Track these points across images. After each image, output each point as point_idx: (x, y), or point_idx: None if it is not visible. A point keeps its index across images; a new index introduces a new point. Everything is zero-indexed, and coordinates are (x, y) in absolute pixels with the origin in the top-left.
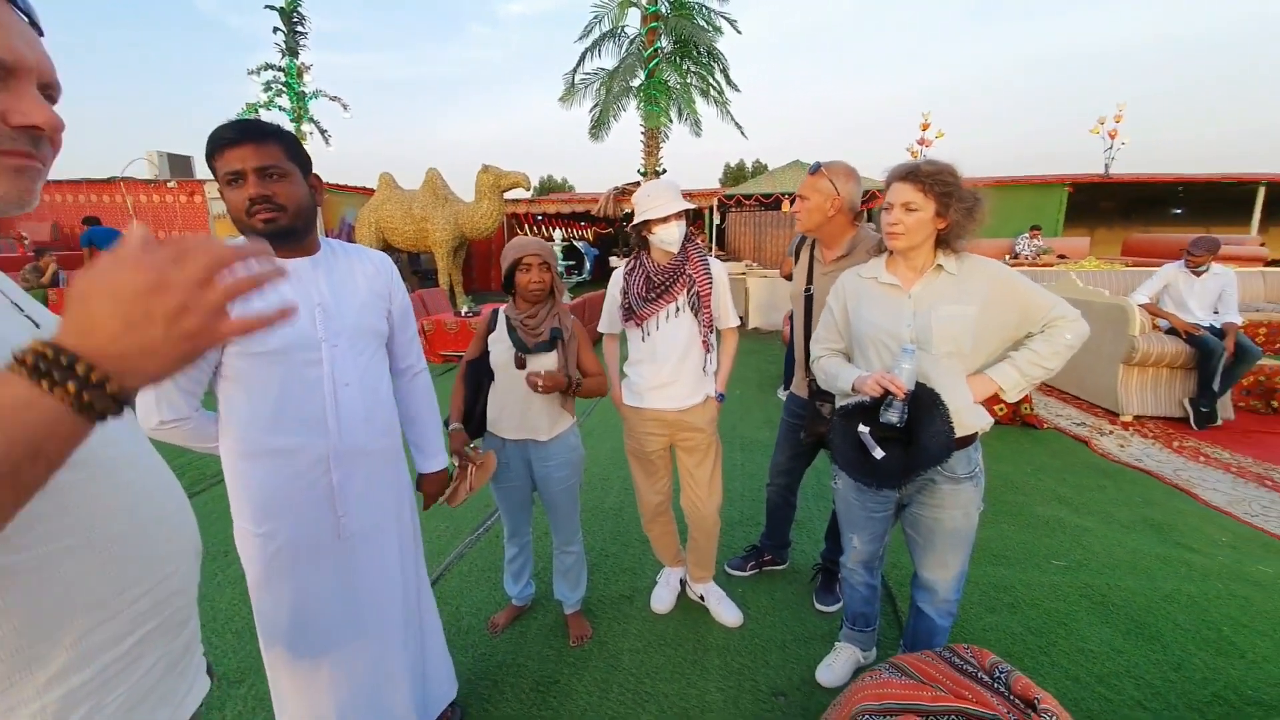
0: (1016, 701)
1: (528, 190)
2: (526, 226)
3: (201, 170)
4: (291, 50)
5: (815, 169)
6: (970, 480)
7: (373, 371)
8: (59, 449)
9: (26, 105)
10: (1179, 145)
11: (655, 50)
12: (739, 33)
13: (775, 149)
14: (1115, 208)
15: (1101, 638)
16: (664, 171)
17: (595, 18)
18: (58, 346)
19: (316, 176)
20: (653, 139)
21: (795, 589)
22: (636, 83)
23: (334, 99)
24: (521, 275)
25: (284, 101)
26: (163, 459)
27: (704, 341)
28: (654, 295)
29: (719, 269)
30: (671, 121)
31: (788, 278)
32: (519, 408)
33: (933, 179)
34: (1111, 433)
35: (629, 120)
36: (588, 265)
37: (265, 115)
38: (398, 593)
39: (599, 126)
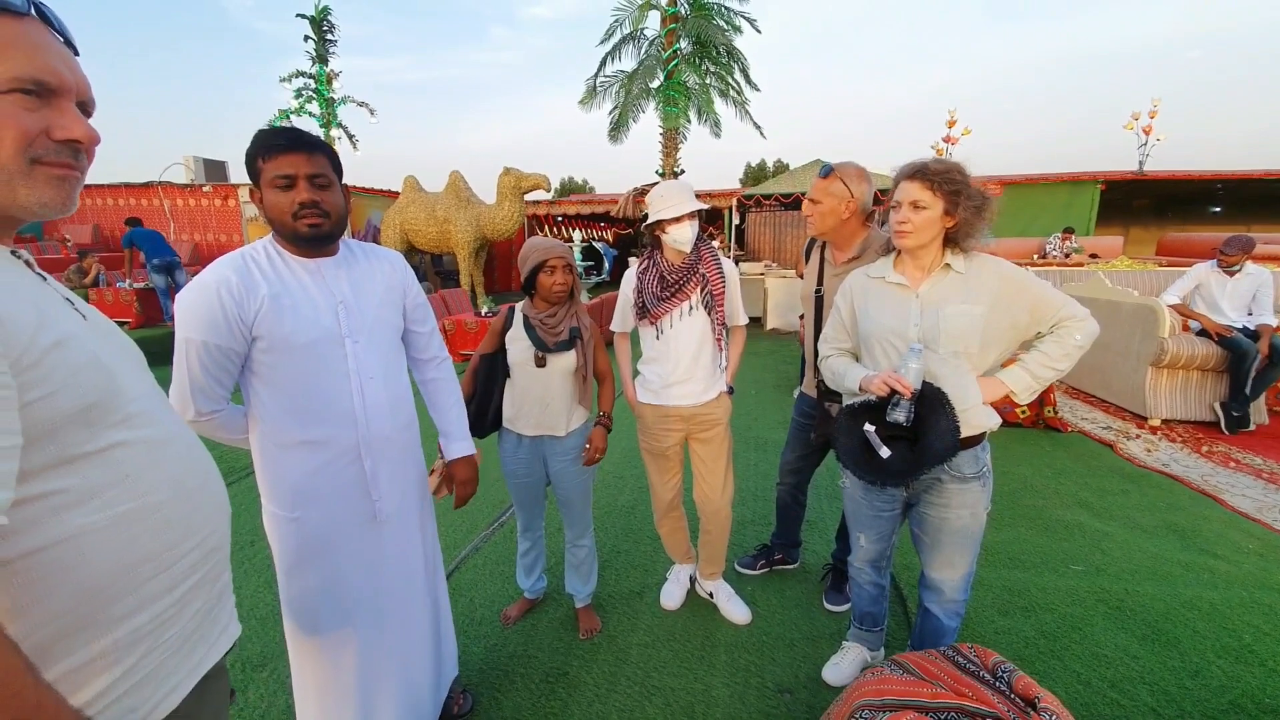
0: (1017, 700)
1: (548, 192)
2: (547, 227)
3: (235, 175)
4: (321, 57)
5: (827, 172)
6: (978, 480)
7: (393, 365)
8: None
9: (68, 121)
10: (1217, 141)
11: (674, 51)
12: (759, 32)
13: (795, 148)
14: (1150, 206)
15: (1116, 643)
16: (682, 172)
17: (616, 21)
18: None
19: (346, 187)
20: (671, 140)
21: (805, 588)
22: (655, 84)
23: (361, 104)
24: (546, 277)
25: (314, 107)
26: (198, 438)
27: (717, 339)
28: (668, 294)
29: (731, 268)
30: (690, 122)
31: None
32: (537, 405)
33: (941, 177)
34: (1138, 437)
35: (648, 121)
36: (606, 266)
37: (296, 121)
38: (420, 574)
39: (618, 128)
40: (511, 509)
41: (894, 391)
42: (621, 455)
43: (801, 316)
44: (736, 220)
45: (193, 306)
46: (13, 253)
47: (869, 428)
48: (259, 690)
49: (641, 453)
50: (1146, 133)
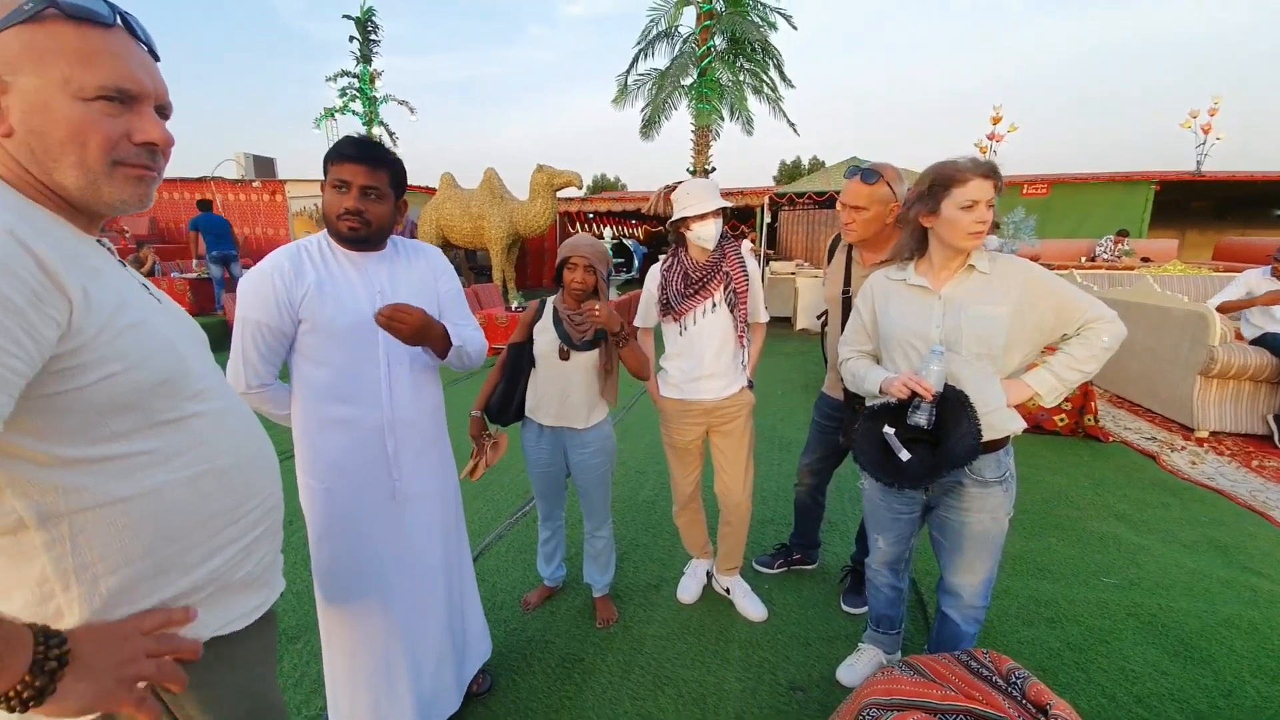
0: (1029, 706)
1: (580, 189)
2: (578, 224)
3: (283, 171)
4: (365, 57)
5: (873, 178)
6: (1000, 485)
7: (422, 353)
8: None
9: (147, 125)
10: None
11: (708, 49)
12: (794, 28)
13: (831, 145)
14: (1208, 208)
15: (1146, 658)
16: (713, 170)
17: (652, 20)
18: (62, 644)
19: (405, 201)
20: (703, 137)
21: (823, 589)
22: (688, 82)
23: (402, 103)
24: (568, 273)
25: (357, 106)
26: (252, 412)
27: (739, 336)
28: (692, 291)
29: (754, 266)
30: (723, 120)
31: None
32: (558, 397)
33: (1000, 178)
34: (1184, 449)
35: (680, 119)
36: (636, 263)
37: (340, 119)
38: (439, 556)
39: (650, 126)
40: (533, 500)
41: (914, 394)
42: (644, 451)
43: (819, 317)
44: (769, 218)
45: (251, 289)
46: (98, 242)
47: (888, 430)
48: (292, 660)
49: (664, 446)
50: (1205, 131)
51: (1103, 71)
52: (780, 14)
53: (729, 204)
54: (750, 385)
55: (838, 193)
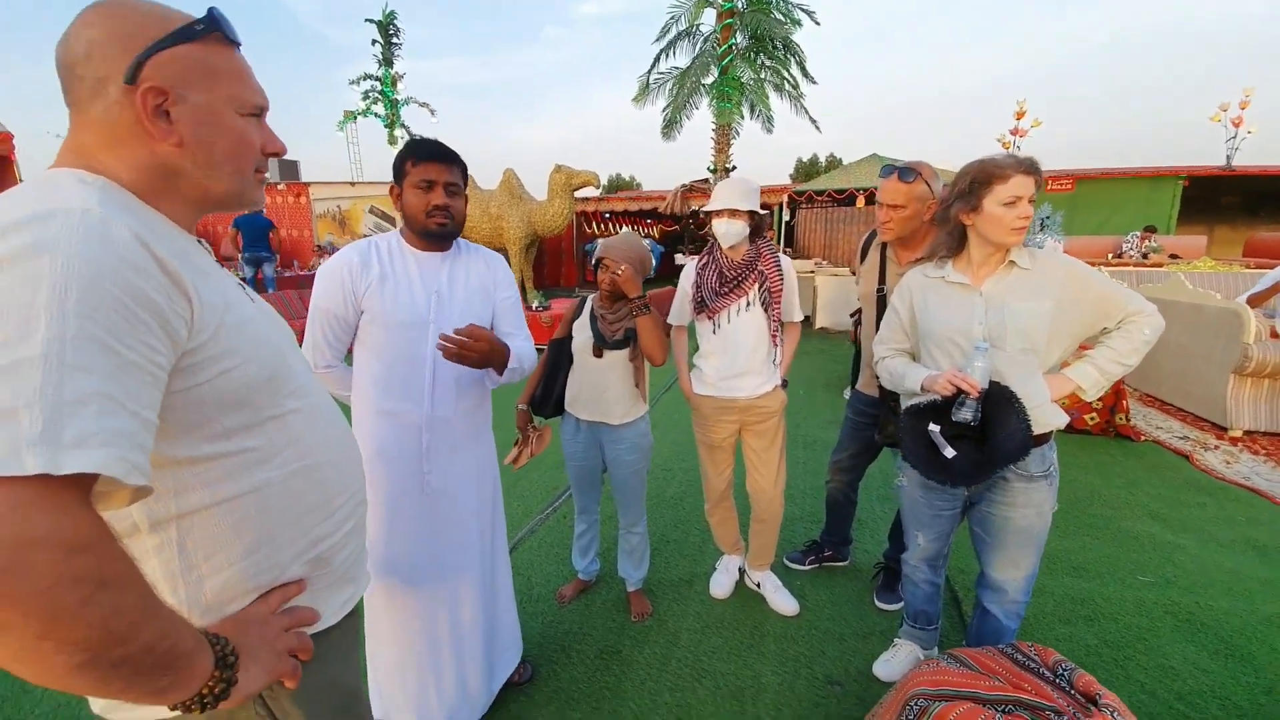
0: (1078, 696)
1: (597, 189)
2: (595, 223)
3: (306, 174)
4: (387, 61)
5: (910, 176)
6: (1045, 479)
7: None
8: (157, 674)
9: (272, 137)
10: None
11: (730, 47)
12: (817, 24)
13: (849, 142)
14: (1239, 203)
15: (1185, 655)
16: (733, 168)
17: (672, 18)
18: (225, 640)
19: (465, 197)
20: (724, 135)
21: (856, 586)
22: (709, 80)
23: (423, 105)
24: (601, 273)
25: (379, 108)
26: (337, 406)
27: (773, 335)
28: (726, 289)
29: (789, 266)
30: (744, 118)
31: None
32: (594, 392)
33: (1040, 173)
34: (1217, 448)
35: (700, 118)
36: (654, 263)
37: (363, 122)
38: (474, 551)
39: (671, 125)
40: (568, 493)
41: (959, 391)
42: (671, 448)
43: (852, 315)
44: (786, 217)
45: (324, 277)
46: (198, 241)
47: (933, 428)
48: None
49: (697, 444)
50: (1236, 124)
51: (1129, 64)
52: (803, 10)
53: (744, 205)
54: (784, 384)
55: (857, 190)
